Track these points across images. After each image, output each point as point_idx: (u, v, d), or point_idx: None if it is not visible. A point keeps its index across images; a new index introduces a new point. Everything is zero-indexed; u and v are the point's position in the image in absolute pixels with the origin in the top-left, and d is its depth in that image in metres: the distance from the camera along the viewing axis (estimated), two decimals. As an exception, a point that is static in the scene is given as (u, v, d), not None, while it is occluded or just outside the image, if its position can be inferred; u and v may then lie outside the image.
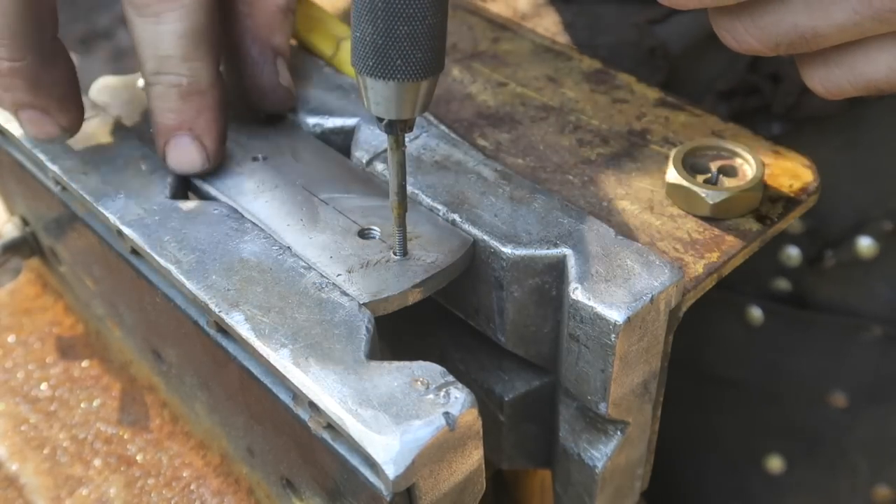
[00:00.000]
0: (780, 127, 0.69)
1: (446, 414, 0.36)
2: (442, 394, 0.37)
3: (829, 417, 0.76)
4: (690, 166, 0.50)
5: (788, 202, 0.50)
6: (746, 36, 0.41)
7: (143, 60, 0.49)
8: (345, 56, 0.58)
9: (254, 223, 0.47)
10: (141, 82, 0.58)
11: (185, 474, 0.54)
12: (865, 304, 0.72)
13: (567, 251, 0.44)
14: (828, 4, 0.38)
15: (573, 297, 0.42)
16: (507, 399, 0.50)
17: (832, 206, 0.69)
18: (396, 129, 0.41)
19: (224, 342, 0.44)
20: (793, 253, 0.71)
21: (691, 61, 0.70)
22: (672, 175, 0.49)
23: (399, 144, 0.42)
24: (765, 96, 0.69)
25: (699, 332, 0.76)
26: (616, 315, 0.41)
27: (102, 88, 0.58)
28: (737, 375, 0.77)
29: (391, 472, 0.35)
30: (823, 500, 0.80)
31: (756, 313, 0.73)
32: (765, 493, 0.81)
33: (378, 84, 0.39)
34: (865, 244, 0.70)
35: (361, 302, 0.42)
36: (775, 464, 0.79)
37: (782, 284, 0.73)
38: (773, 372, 0.77)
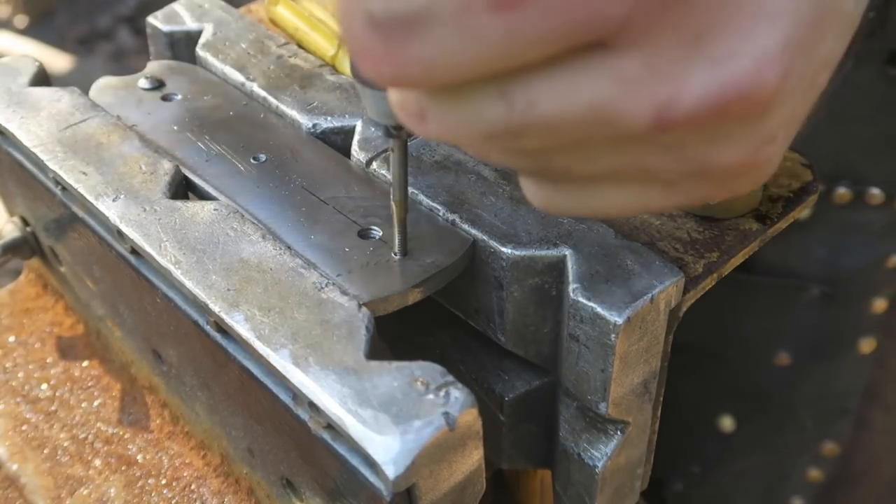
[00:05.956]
0: None
1: (446, 414, 0.36)
2: (442, 394, 0.37)
3: (775, 376, 0.80)
4: (690, 166, 0.50)
5: (788, 202, 0.50)
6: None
7: None
8: (345, 56, 0.58)
9: (254, 223, 0.47)
10: (142, 82, 0.58)
11: (185, 474, 0.54)
12: (803, 266, 0.74)
13: (567, 251, 0.44)
14: None
15: (573, 297, 0.42)
16: (507, 399, 0.50)
17: None
18: (398, 133, 0.41)
19: (224, 342, 0.44)
20: None
21: None
22: (672, 175, 0.49)
23: (401, 146, 0.42)
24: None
25: None
26: (616, 315, 0.41)
27: (102, 88, 0.58)
28: (686, 340, 0.80)
29: (391, 472, 0.35)
30: (774, 456, 0.84)
31: None
32: (718, 452, 0.85)
33: (377, 92, 0.39)
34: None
35: (361, 302, 0.42)
36: (727, 423, 0.82)
37: None
38: (721, 335, 0.78)
